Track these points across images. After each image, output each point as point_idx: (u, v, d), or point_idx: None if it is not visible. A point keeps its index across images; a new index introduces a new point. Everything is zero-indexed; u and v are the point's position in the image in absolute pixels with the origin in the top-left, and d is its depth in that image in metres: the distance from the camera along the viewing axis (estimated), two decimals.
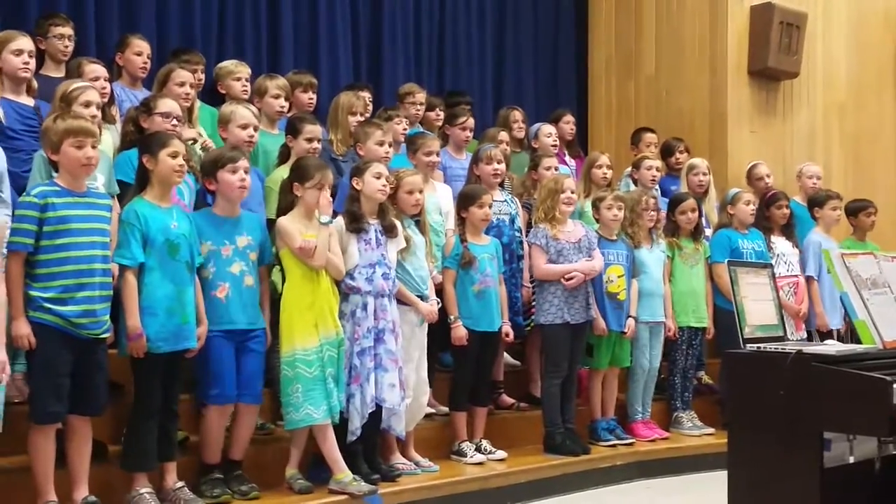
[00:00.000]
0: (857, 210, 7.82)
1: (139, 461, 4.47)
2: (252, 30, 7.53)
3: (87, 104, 4.73)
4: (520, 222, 6.42)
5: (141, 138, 4.84)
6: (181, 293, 4.48)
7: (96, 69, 5.42)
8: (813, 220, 7.69)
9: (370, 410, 5.07)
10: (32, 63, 5.21)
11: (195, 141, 5.52)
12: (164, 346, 4.42)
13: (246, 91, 6.33)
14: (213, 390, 4.69)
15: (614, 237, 6.43)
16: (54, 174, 4.32)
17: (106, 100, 5.21)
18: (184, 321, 4.48)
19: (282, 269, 5.00)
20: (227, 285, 4.73)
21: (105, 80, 5.38)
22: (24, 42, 5.17)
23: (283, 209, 5.02)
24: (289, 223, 4.92)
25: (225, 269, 4.74)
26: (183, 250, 4.50)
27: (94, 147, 4.26)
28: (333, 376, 4.89)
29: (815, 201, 7.75)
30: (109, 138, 5.10)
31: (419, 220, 5.56)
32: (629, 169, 7.71)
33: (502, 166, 6.30)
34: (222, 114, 5.43)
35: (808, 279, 7.39)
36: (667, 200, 7.20)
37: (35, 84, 5.25)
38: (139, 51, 6.10)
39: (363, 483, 4.93)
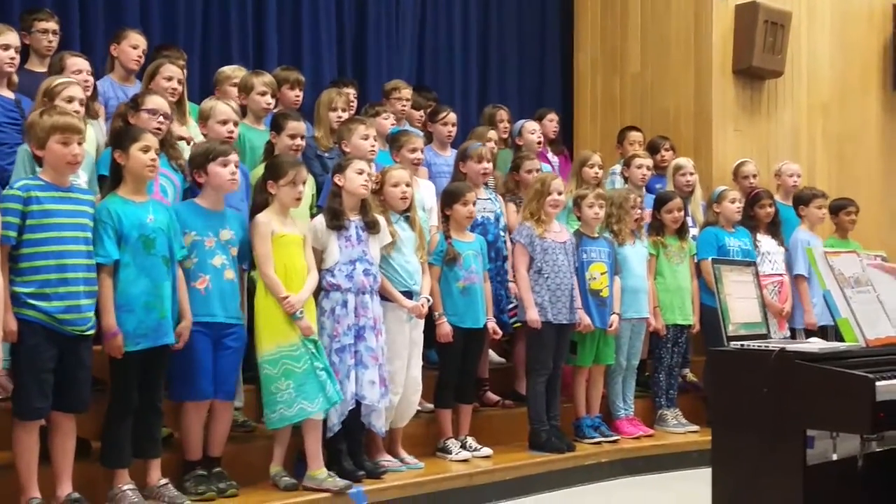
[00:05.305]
0: (838, 209, 7.85)
1: (117, 458, 4.43)
2: (237, 26, 7.50)
3: (70, 99, 4.69)
4: (504, 221, 6.42)
5: (113, 134, 4.79)
6: (158, 288, 4.42)
7: (78, 62, 5.36)
8: (798, 217, 7.70)
9: (350, 408, 5.06)
10: (17, 58, 5.20)
11: (186, 141, 5.47)
12: (144, 342, 4.38)
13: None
14: (189, 386, 4.67)
15: (596, 234, 6.43)
16: (38, 169, 4.29)
17: (89, 94, 5.18)
18: (162, 316, 4.43)
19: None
20: (207, 277, 4.70)
21: (88, 74, 5.33)
22: (12, 37, 5.18)
23: (258, 206, 5.00)
24: (264, 223, 4.89)
25: (207, 260, 4.72)
26: (159, 244, 4.44)
27: (80, 144, 4.23)
28: (321, 368, 4.86)
29: (801, 199, 7.76)
30: (92, 134, 5.02)
31: (409, 216, 5.54)
32: (615, 167, 7.72)
33: (490, 165, 6.30)
34: (202, 110, 5.41)
35: (797, 277, 7.41)
36: (652, 198, 7.22)
37: (15, 78, 5.23)
38: (135, 44, 6.01)
39: (338, 479, 4.91)
